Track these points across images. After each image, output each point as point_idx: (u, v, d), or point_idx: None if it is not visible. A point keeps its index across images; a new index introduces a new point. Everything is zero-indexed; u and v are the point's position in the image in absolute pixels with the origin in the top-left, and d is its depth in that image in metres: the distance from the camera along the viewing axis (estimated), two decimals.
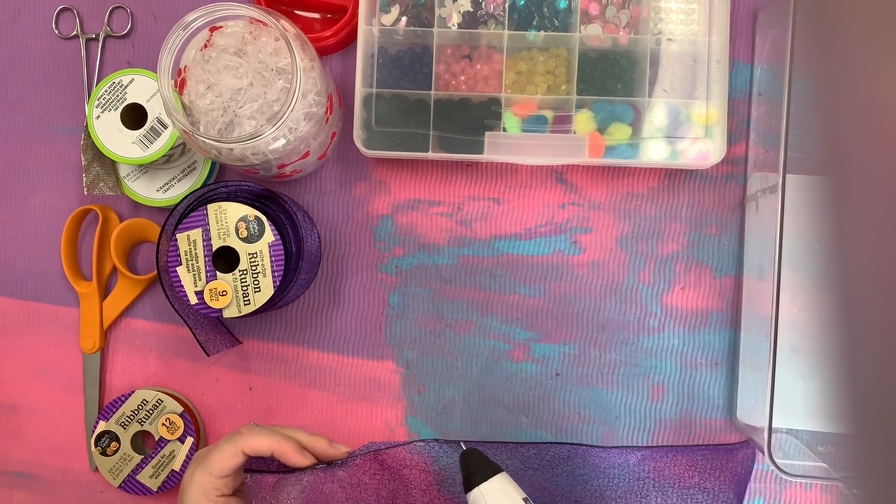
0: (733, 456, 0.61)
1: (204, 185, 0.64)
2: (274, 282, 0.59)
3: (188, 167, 0.66)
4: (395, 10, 0.62)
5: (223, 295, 0.59)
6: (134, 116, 0.63)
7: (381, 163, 0.67)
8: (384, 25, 0.62)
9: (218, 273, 0.59)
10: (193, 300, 0.59)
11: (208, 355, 0.63)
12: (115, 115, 0.62)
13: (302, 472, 0.55)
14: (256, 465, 0.55)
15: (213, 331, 0.64)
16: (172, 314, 0.66)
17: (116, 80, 0.62)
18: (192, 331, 0.61)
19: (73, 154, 0.68)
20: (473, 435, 0.65)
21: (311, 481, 0.56)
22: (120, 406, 0.64)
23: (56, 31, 0.69)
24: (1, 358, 0.68)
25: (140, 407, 0.64)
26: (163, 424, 0.64)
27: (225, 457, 0.52)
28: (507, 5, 0.62)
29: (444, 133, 0.62)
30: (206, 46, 0.57)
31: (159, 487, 0.64)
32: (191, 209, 0.60)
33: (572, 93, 0.62)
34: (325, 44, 0.65)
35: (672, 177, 0.66)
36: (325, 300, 0.67)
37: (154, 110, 0.62)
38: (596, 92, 0.62)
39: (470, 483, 0.53)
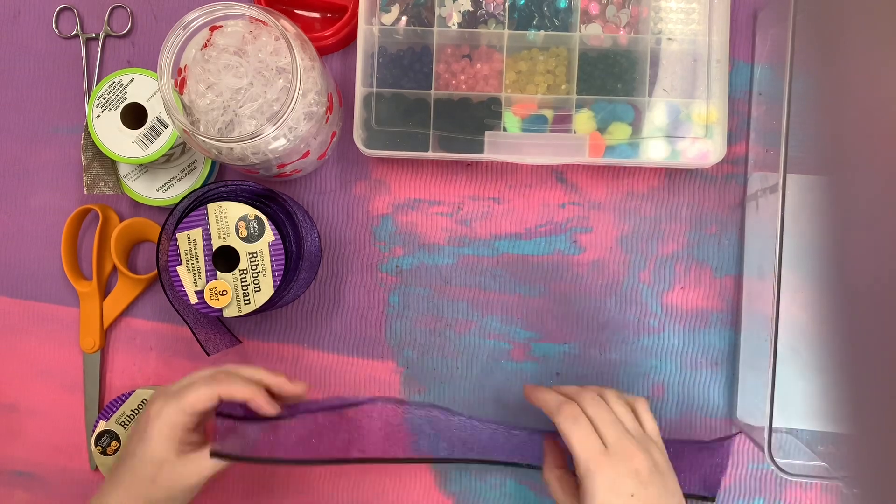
0: (707, 449, 0.61)
1: (204, 185, 0.64)
2: (274, 281, 0.59)
3: (188, 167, 0.66)
4: (396, 9, 0.62)
5: (223, 294, 0.59)
6: (134, 116, 0.63)
7: (381, 162, 0.67)
8: (384, 25, 0.62)
9: (218, 272, 0.59)
10: (193, 300, 0.59)
11: (208, 355, 0.63)
12: (115, 115, 0.62)
13: (269, 421, 0.56)
14: (226, 409, 0.57)
15: (213, 330, 0.64)
16: (172, 314, 0.66)
17: (116, 80, 0.62)
18: (192, 330, 0.61)
19: (73, 154, 0.68)
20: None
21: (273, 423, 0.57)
22: (120, 405, 0.64)
23: (56, 31, 0.69)
24: (1, 357, 0.68)
25: (140, 406, 0.64)
26: None
27: (201, 398, 0.54)
28: (507, 5, 0.62)
29: (444, 132, 0.62)
30: (206, 46, 0.57)
31: None
32: (191, 209, 0.60)
33: (572, 92, 0.62)
34: (325, 43, 0.65)
35: (672, 176, 0.66)
36: (325, 300, 0.67)
37: (154, 110, 0.62)
38: (596, 91, 0.62)
39: None
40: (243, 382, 0.55)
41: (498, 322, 0.66)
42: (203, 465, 0.54)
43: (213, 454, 0.55)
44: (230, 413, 0.57)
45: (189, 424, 0.54)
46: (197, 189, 0.61)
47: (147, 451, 0.53)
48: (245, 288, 0.59)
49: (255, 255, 0.59)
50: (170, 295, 0.60)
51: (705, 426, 0.65)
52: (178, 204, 0.61)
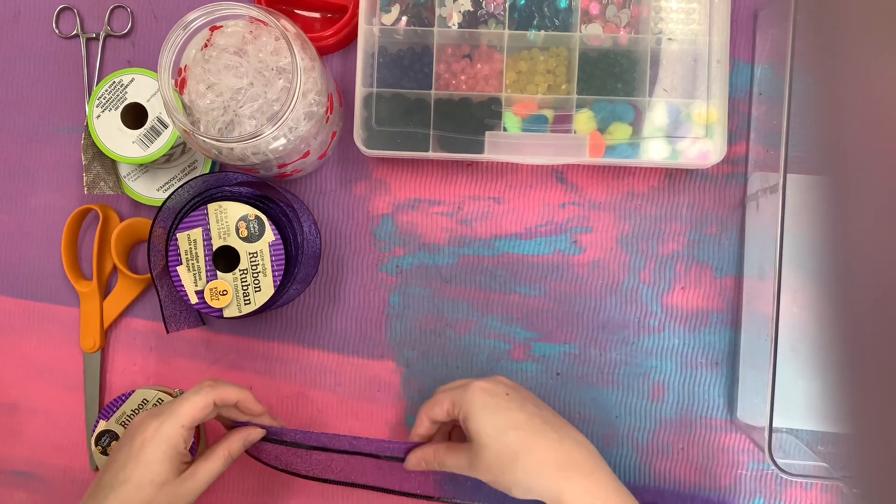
0: None
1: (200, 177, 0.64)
2: (274, 281, 0.59)
3: (188, 166, 0.66)
4: (396, 9, 0.62)
5: (223, 294, 0.59)
6: (134, 116, 0.63)
7: (381, 162, 0.67)
8: (384, 25, 0.62)
9: (218, 272, 0.59)
10: (194, 300, 0.59)
11: (168, 332, 0.63)
12: (115, 115, 0.62)
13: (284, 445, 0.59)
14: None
15: (180, 308, 0.64)
16: None
17: (117, 80, 0.62)
18: (160, 303, 0.62)
19: (73, 153, 0.68)
20: None
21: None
22: (120, 405, 0.64)
23: (56, 31, 0.69)
24: (1, 357, 0.68)
25: (140, 406, 0.64)
26: None
27: (198, 406, 0.54)
28: (507, 5, 0.62)
29: (445, 132, 0.62)
30: (206, 46, 0.57)
31: None
32: (191, 208, 0.60)
33: (573, 92, 0.62)
34: (326, 43, 0.65)
35: (672, 176, 0.66)
36: (325, 299, 0.67)
37: (154, 110, 0.62)
38: (596, 91, 0.62)
39: None
40: (231, 386, 0.56)
41: (498, 322, 0.66)
42: (199, 480, 0.54)
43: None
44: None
45: (188, 439, 0.54)
46: (189, 181, 0.61)
47: (146, 475, 0.52)
48: (245, 288, 0.59)
49: (255, 254, 0.59)
50: (152, 261, 0.60)
51: (705, 426, 0.65)
52: (169, 198, 0.60)
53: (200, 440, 0.65)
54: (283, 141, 0.56)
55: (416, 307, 0.66)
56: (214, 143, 0.54)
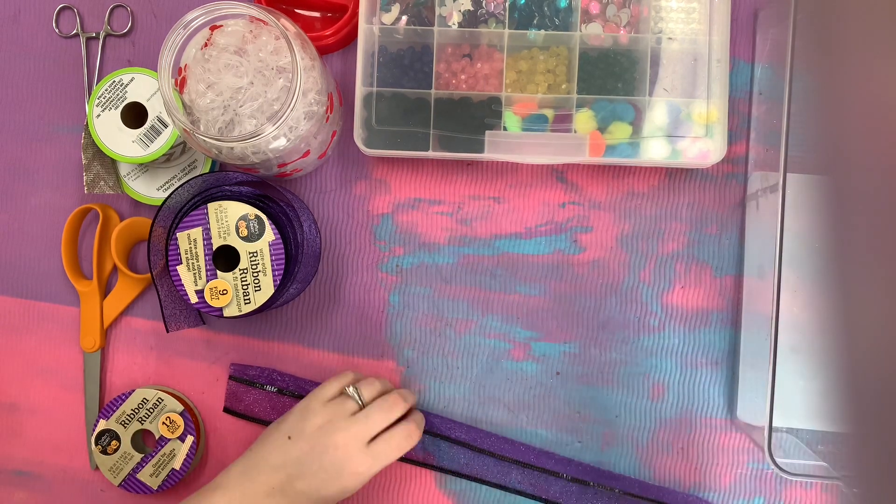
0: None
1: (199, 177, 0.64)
2: (274, 281, 0.59)
3: (188, 166, 0.66)
4: (396, 8, 0.62)
5: (223, 294, 0.59)
6: (134, 115, 0.63)
7: (381, 162, 0.67)
8: (384, 24, 0.62)
9: (218, 272, 0.59)
10: (194, 299, 0.59)
11: (168, 331, 0.62)
12: (115, 114, 0.62)
13: (274, 393, 0.66)
14: (238, 372, 0.67)
15: (180, 307, 0.63)
16: None
17: (117, 79, 0.62)
18: (160, 303, 0.61)
19: (73, 153, 0.68)
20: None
21: None
22: (120, 405, 0.64)
23: (56, 30, 0.69)
24: (1, 357, 0.68)
25: (140, 406, 0.64)
26: (163, 423, 0.64)
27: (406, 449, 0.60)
28: (507, 4, 0.62)
29: (445, 132, 0.62)
30: (206, 45, 0.57)
31: (159, 486, 0.64)
32: (191, 207, 0.60)
33: (573, 92, 0.62)
34: (326, 42, 0.65)
35: (672, 176, 0.66)
36: (325, 299, 0.67)
37: (154, 109, 0.62)
38: (596, 91, 0.62)
39: None
40: (409, 394, 0.63)
41: (498, 321, 0.66)
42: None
43: (226, 411, 0.66)
44: (242, 376, 0.65)
45: None
46: (189, 181, 0.61)
47: (343, 495, 0.58)
48: (245, 287, 0.59)
49: (255, 254, 0.59)
50: (152, 261, 0.60)
51: (705, 425, 0.65)
52: (169, 197, 0.60)
53: (200, 434, 0.65)
54: (283, 140, 0.56)
55: (415, 307, 0.66)
56: (214, 142, 0.54)
